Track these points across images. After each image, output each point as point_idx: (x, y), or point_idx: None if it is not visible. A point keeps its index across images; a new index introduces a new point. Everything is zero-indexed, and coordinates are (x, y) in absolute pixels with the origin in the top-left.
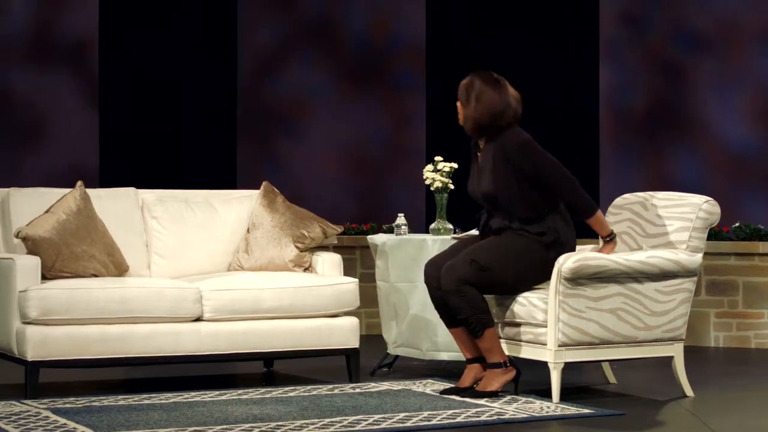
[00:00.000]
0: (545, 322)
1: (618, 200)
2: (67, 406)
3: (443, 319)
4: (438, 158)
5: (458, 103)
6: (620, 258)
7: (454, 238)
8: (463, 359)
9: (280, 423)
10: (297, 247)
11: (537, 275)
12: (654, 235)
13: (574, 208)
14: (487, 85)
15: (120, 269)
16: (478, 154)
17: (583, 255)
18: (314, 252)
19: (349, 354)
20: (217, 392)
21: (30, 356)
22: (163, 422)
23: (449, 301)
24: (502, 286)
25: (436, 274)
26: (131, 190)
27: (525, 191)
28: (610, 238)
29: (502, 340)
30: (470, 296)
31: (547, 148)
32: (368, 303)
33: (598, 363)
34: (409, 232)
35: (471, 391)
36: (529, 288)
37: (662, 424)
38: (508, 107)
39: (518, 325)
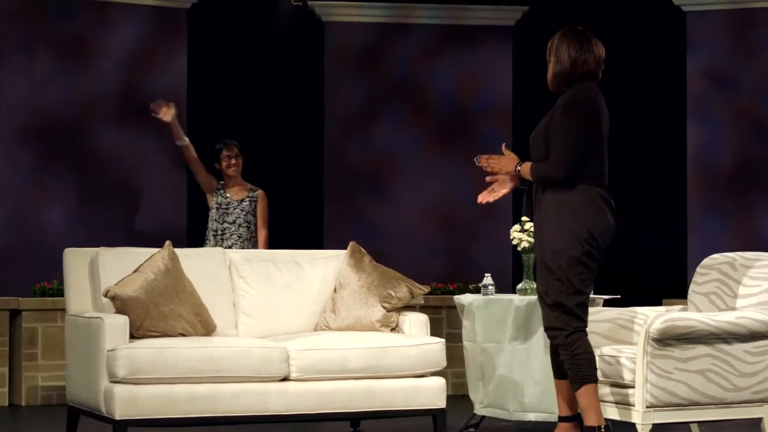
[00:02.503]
0: (633, 382)
1: (706, 260)
2: None
3: (559, 366)
4: (525, 218)
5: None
6: (709, 319)
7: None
8: (551, 420)
9: None
10: (384, 307)
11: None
12: (743, 295)
13: (537, 172)
14: (563, 39)
15: (207, 328)
16: None
17: (671, 316)
18: (401, 312)
19: (435, 414)
20: None
21: (118, 415)
22: None
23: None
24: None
25: None
26: (219, 249)
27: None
28: (518, 169)
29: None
30: (577, 346)
31: (635, 207)
32: (455, 363)
33: (686, 425)
34: (495, 292)
35: None
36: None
37: None
38: (577, 62)
39: (602, 384)
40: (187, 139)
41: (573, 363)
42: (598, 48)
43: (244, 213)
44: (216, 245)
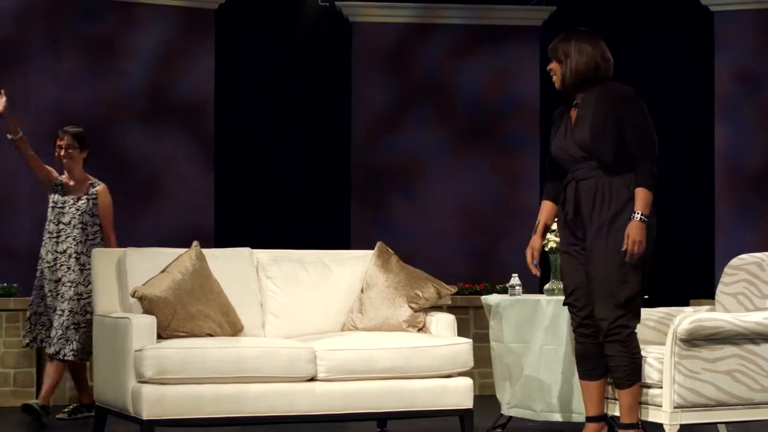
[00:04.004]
0: (660, 382)
1: (734, 261)
2: None
3: (585, 368)
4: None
5: (553, 65)
6: (736, 319)
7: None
8: (578, 421)
9: None
10: (411, 308)
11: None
12: None
13: (638, 169)
14: (583, 37)
15: (235, 329)
16: (572, 110)
17: (699, 316)
18: (428, 312)
19: (462, 415)
20: None
21: (145, 415)
22: None
23: (608, 348)
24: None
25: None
26: (246, 250)
27: (620, 140)
28: (638, 216)
29: (610, 400)
30: (635, 345)
31: (663, 207)
32: (482, 363)
33: (713, 425)
34: (523, 293)
35: None
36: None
37: None
38: (605, 59)
39: None
40: (20, 132)
41: (631, 362)
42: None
43: (79, 213)
44: (52, 249)
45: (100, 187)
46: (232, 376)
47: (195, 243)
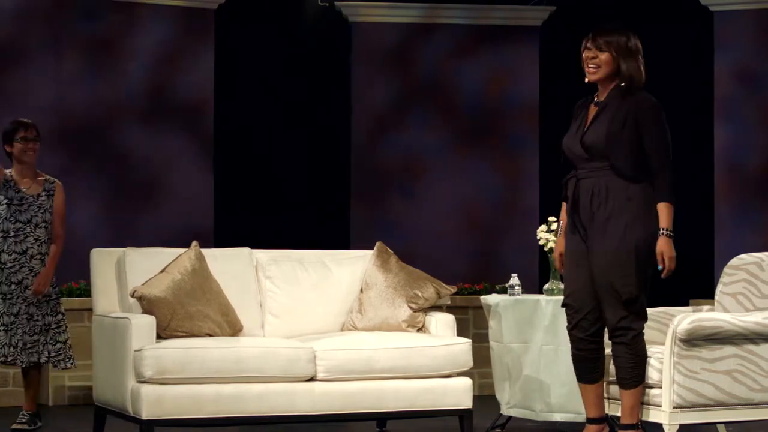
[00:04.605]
0: (660, 382)
1: (734, 261)
2: None
3: (582, 371)
4: (552, 218)
5: (603, 56)
6: (736, 319)
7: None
8: (578, 421)
9: None
10: (410, 308)
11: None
12: None
13: (657, 184)
14: (637, 41)
15: (234, 329)
16: (591, 107)
17: (698, 316)
18: (427, 312)
19: (462, 415)
20: None
21: (144, 415)
22: None
23: (614, 349)
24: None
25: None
26: (245, 250)
27: (635, 149)
28: (664, 233)
29: (611, 400)
30: (642, 347)
31: None
32: (481, 363)
33: (713, 425)
34: (522, 293)
35: None
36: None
37: None
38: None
39: None
40: None
41: (636, 363)
42: None
43: (42, 211)
44: (7, 249)
45: (58, 182)
46: (232, 376)
47: (194, 243)
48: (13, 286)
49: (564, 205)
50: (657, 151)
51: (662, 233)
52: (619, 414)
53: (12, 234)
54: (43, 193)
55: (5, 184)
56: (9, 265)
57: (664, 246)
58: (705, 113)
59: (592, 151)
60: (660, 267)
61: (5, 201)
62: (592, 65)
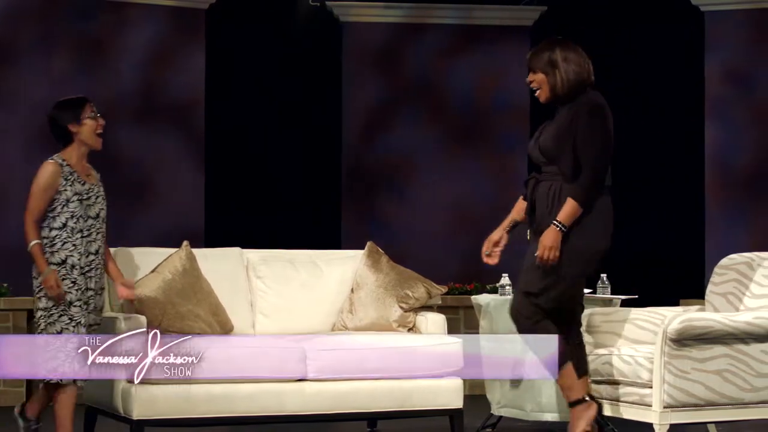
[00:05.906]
0: (650, 382)
1: (724, 260)
2: None
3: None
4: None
5: (537, 77)
6: (726, 319)
7: None
8: (568, 420)
9: None
10: (401, 308)
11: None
12: (760, 295)
13: (577, 181)
14: (565, 45)
15: (225, 328)
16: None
17: (689, 316)
18: (418, 312)
19: (453, 414)
20: None
21: (135, 415)
22: None
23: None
24: (570, 297)
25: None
26: (236, 250)
27: (576, 152)
28: (557, 225)
29: (605, 401)
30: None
31: (653, 206)
32: None
33: (703, 425)
34: (513, 292)
35: None
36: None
37: None
38: (589, 67)
39: (619, 383)
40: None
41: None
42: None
43: (105, 202)
44: (84, 251)
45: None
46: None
47: (185, 243)
48: (90, 293)
49: (519, 201)
50: (583, 150)
51: (554, 224)
52: (614, 415)
53: (85, 233)
54: (99, 182)
55: (70, 175)
56: (86, 269)
57: (547, 235)
58: (696, 113)
59: (546, 156)
60: (536, 254)
61: (75, 197)
62: (534, 88)
